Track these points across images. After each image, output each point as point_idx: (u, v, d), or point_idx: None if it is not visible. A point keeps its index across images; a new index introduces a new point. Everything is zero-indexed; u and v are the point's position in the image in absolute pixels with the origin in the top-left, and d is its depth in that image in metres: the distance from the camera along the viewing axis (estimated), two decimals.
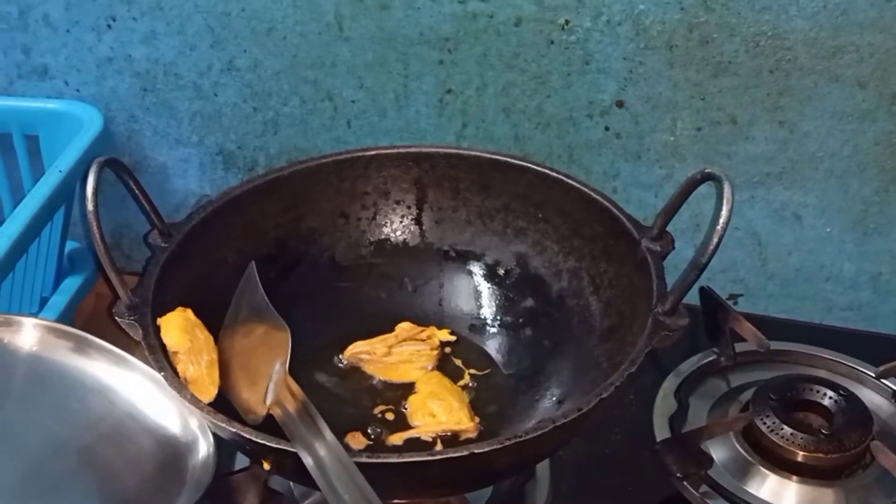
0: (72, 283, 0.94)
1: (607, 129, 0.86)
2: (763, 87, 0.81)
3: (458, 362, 0.79)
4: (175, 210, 0.98)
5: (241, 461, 0.71)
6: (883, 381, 0.82)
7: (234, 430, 0.60)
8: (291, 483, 0.73)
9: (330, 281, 0.81)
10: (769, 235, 0.89)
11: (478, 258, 0.82)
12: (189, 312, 0.69)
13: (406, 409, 0.75)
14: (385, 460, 0.59)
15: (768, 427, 0.75)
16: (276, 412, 0.63)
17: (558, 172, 0.77)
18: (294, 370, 0.66)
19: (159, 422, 0.66)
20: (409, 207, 0.82)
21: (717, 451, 0.76)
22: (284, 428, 0.61)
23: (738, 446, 0.76)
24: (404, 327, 0.79)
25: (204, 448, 0.65)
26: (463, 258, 0.82)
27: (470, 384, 0.77)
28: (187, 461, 0.64)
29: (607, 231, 0.74)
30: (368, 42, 0.85)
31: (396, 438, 0.72)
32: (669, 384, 0.82)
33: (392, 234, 0.83)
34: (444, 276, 0.82)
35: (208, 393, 0.66)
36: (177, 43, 0.89)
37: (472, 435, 0.72)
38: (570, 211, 0.77)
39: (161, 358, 0.65)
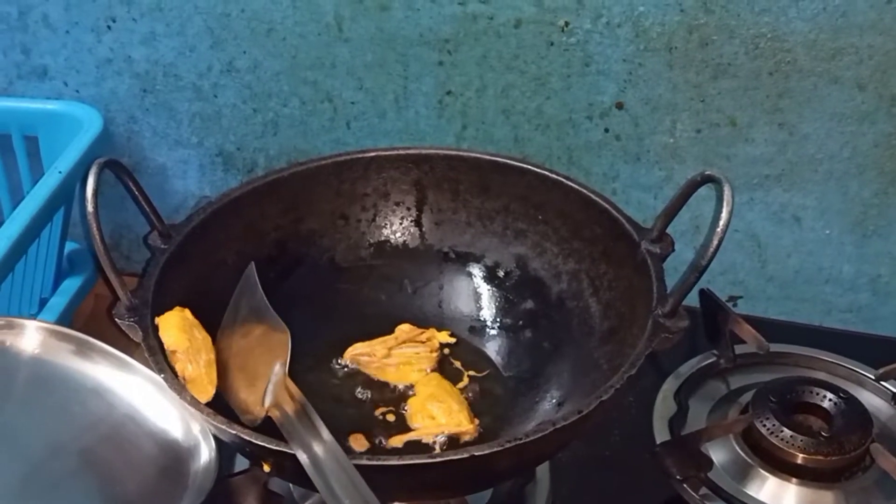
0: (71, 285, 0.95)
1: (607, 130, 0.86)
2: (762, 88, 0.81)
3: (458, 364, 0.78)
4: (174, 211, 0.98)
5: (241, 463, 0.71)
6: (882, 383, 0.82)
7: (234, 432, 0.60)
8: (291, 485, 0.73)
9: (330, 282, 0.81)
10: (768, 237, 0.89)
11: (477, 260, 0.82)
12: (187, 312, 0.69)
13: (406, 411, 0.75)
14: (385, 463, 0.59)
15: (768, 429, 0.75)
16: (275, 414, 0.63)
17: (558, 174, 0.77)
18: (293, 372, 0.66)
19: (161, 426, 0.66)
20: (408, 209, 0.82)
21: (717, 454, 0.76)
22: (282, 429, 0.61)
23: (737, 448, 0.76)
24: (404, 329, 0.79)
25: (206, 453, 0.65)
26: (463, 260, 0.82)
27: (469, 386, 0.77)
28: (189, 466, 0.64)
29: (607, 233, 0.74)
30: (368, 43, 0.85)
31: (396, 441, 0.72)
32: (669, 386, 0.82)
33: (392, 236, 0.83)
34: (443, 278, 0.82)
35: (206, 393, 0.66)
36: (176, 44, 0.89)
37: (472, 437, 0.72)
38: (570, 213, 0.77)
39: (161, 359, 0.65)
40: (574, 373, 0.73)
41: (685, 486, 0.73)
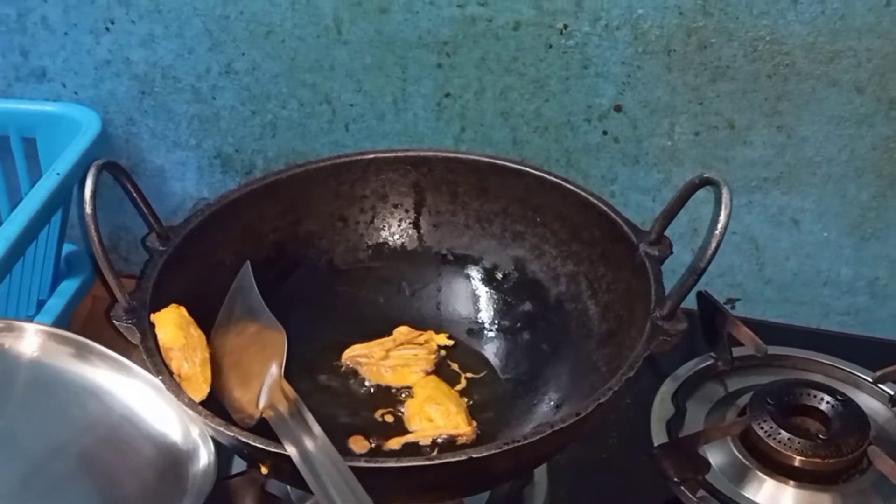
0: (69, 286, 0.94)
1: (605, 133, 0.86)
2: (761, 91, 0.81)
3: (456, 366, 0.78)
4: (172, 213, 0.98)
5: (238, 465, 0.70)
6: (880, 385, 0.82)
7: (232, 434, 0.60)
8: (288, 487, 0.73)
9: (328, 284, 0.81)
10: (767, 240, 0.89)
11: (476, 262, 0.82)
12: (183, 309, 0.69)
13: (403, 413, 0.75)
14: (384, 465, 0.59)
15: (765, 432, 0.75)
16: (269, 414, 0.63)
17: (556, 176, 0.77)
18: (291, 373, 0.66)
19: (160, 429, 0.66)
20: (407, 211, 0.82)
21: (715, 456, 0.76)
22: (276, 429, 0.61)
23: (735, 451, 0.76)
24: (402, 331, 0.79)
25: (205, 456, 0.65)
26: (461, 262, 0.82)
27: (467, 388, 0.77)
28: (188, 469, 0.64)
29: (605, 235, 0.74)
30: (367, 45, 0.85)
31: (394, 443, 0.72)
32: (667, 388, 0.82)
33: (390, 238, 0.83)
34: (442, 280, 0.82)
35: (201, 391, 0.66)
36: (175, 46, 0.89)
37: (470, 439, 0.72)
38: (569, 215, 0.77)
39: (158, 361, 0.65)
40: (572, 375, 0.73)
41: (683, 488, 0.73)
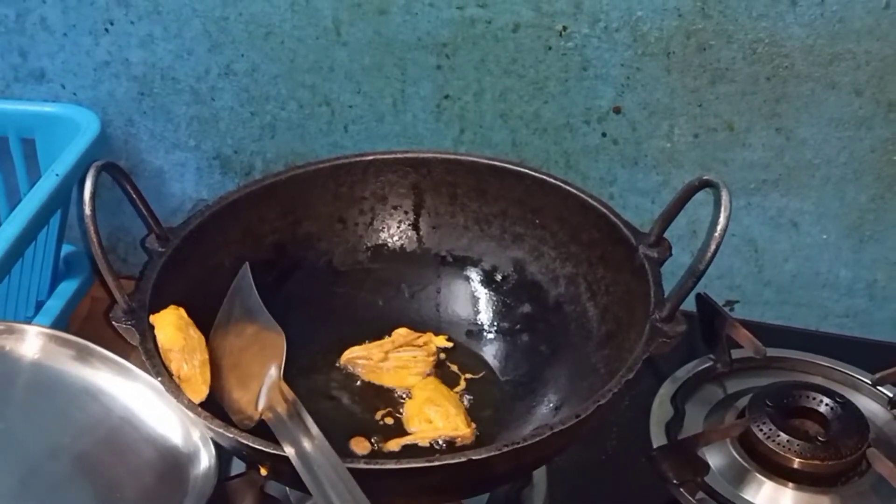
0: (67, 287, 0.94)
1: (604, 135, 0.86)
2: (760, 93, 0.81)
3: (455, 368, 0.78)
4: (171, 214, 0.98)
5: (238, 466, 0.70)
6: (879, 388, 0.82)
7: (231, 435, 0.60)
8: (287, 489, 0.73)
9: (327, 286, 0.81)
10: (766, 242, 0.89)
11: (475, 264, 0.82)
12: (182, 311, 0.69)
13: (402, 415, 0.75)
14: (383, 467, 0.59)
15: (764, 434, 0.75)
16: (268, 416, 0.63)
17: (555, 178, 0.77)
18: (291, 375, 0.66)
19: (160, 431, 0.66)
20: (406, 213, 0.82)
21: (714, 458, 0.76)
22: (275, 430, 0.61)
23: (734, 453, 0.76)
24: (401, 333, 0.79)
25: (205, 459, 0.65)
26: (460, 264, 0.82)
27: (466, 390, 0.77)
28: (188, 472, 0.64)
29: (604, 237, 0.74)
30: (366, 47, 0.85)
31: (393, 444, 0.72)
32: (666, 390, 0.82)
33: (389, 240, 0.82)
34: (441, 282, 0.82)
35: (200, 392, 0.66)
36: (174, 47, 0.89)
37: (469, 441, 0.72)
38: (568, 217, 0.77)
39: (158, 363, 0.65)
40: (571, 377, 0.73)
41: (682, 490, 0.73)
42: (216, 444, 0.65)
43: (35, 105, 0.94)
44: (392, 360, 0.78)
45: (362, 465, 0.59)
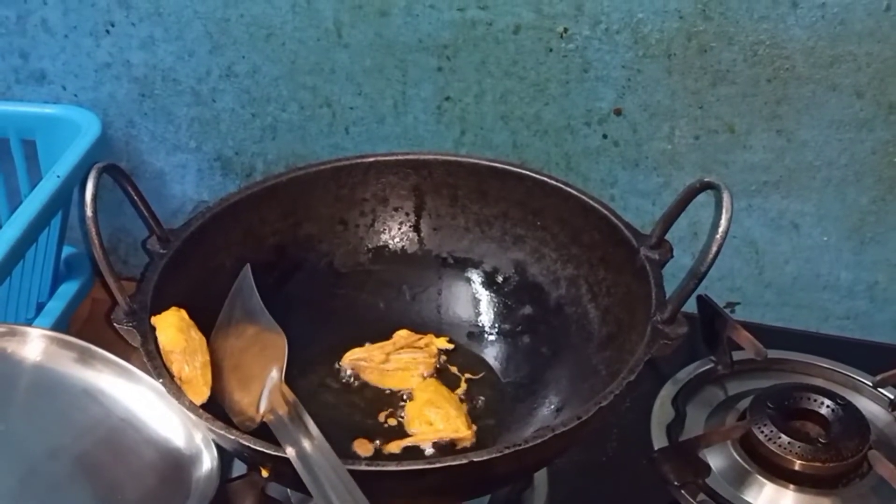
0: (68, 289, 0.94)
1: (605, 136, 0.86)
2: (761, 95, 0.81)
3: (456, 370, 0.78)
4: (172, 216, 0.98)
5: (239, 468, 0.70)
6: (880, 389, 0.82)
7: (233, 437, 0.60)
8: (288, 490, 0.73)
9: (328, 288, 0.81)
10: (766, 244, 0.89)
11: (476, 265, 0.82)
12: (183, 312, 0.69)
13: (403, 416, 0.75)
14: (384, 468, 0.59)
15: (766, 436, 0.75)
16: (270, 418, 0.63)
17: (556, 180, 0.77)
18: (292, 376, 0.66)
19: (163, 434, 0.66)
20: (407, 214, 0.82)
21: (715, 460, 0.76)
22: (276, 431, 0.61)
23: (735, 455, 0.76)
24: (402, 335, 0.79)
25: (208, 461, 0.65)
26: (461, 265, 0.82)
27: (467, 392, 0.77)
28: (191, 474, 0.64)
29: (605, 239, 0.74)
30: (367, 49, 0.85)
31: (394, 446, 0.72)
32: (667, 392, 0.82)
33: (390, 241, 0.82)
34: (442, 284, 0.82)
35: (201, 394, 0.66)
36: (175, 48, 0.89)
37: (470, 443, 0.72)
38: (569, 218, 0.77)
39: (159, 364, 0.65)
40: (572, 379, 0.73)
41: (683, 492, 0.73)
42: (218, 446, 0.65)
43: (36, 106, 0.94)
44: (393, 362, 0.78)
45: (363, 467, 0.59)
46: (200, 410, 0.63)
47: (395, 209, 0.82)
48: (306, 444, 0.60)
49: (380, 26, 0.84)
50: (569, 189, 0.76)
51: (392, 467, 0.59)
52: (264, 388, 0.65)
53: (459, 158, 0.81)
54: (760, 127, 0.83)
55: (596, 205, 0.75)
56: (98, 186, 0.65)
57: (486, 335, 0.81)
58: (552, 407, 0.73)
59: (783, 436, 0.75)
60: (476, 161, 0.80)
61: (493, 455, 0.58)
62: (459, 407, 0.75)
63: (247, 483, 0.64)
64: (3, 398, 0.65)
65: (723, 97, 0.82)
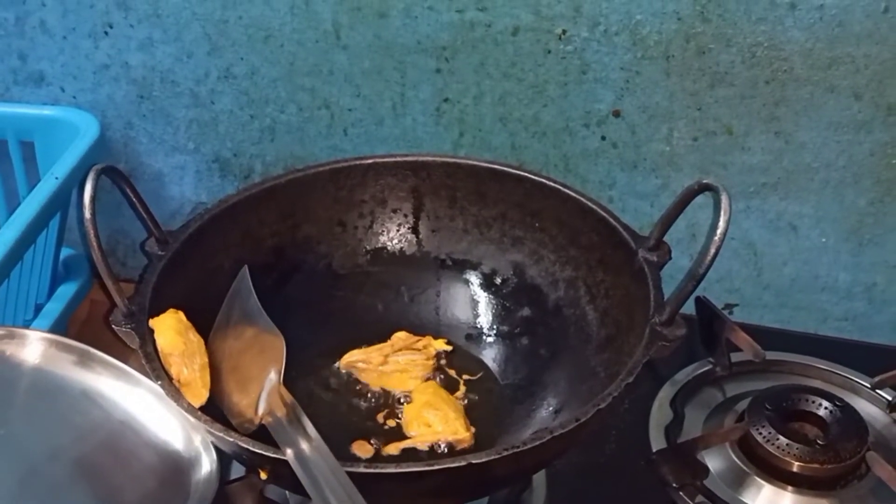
0: (67, 290, 0.94)
1: (604, 138, 0.86)
2: (759, 97, 0.81)
3: (454, 372, 0.79)
4: (171, 217, 0.98)
5: (237, 470, 0.70)
6: (878, 391, 0.82)
7: (231, 439, 0.60)
8: (287, 492, 0.73)
9: (327, 289, 0.81)
10: (765, 245, 0.89)
11: (474, 267, 0.82)
12: (181, 314, 0.69)
13: (402, 418, 0.75)
14: (383, 470, 0.59)
15: (764, 437, 0.75)
16: (269, 421, 0.63)
17: (555, 182, 0.77)
18: (290, 378, 0.66)
19: (162, 437, 0.66)
20: (405, 216, 0.82)
21: (713, 461, 0.76)
22: (275, 435, 0.61)
23: (733, 456, 0.76)
24: (400, 336, 0.79)
25: (207, 464, 0.65)
26: (460, 267, 0.82)
27: (466, 394, 0.77)
28: (190, 476, 0.64)
29: (604, 241, 0.74)
30: (366, 50, 0.85)
31: (392, 448, 0.72)
32: (665, 394, 0.82)
33: (389, 243, 0.83)
34: (440, 285, 0.82)
35: (200, 397, 0.66)
36: (174, 50, 0.89)
37: (468, 445, 0.72)
38: (567, 220, 0.77)
39: (158, 366, 0.65)
40: (571, 380, 0.73)
41: (681, 493, 0.73)
42: (216, 448, 0.65)
43: (34, 108, 0.94)
44: (391, 364, 0.78)
45: (361, 469, 0.59)
46: (199, 413, 0.63)
47: (394, 211, 0.82)
48: (304, 445, 0.60)
49: (378, 28, 0.84)
50: (567, 191, 0.76)
51: (391, 469, 0.59)
52: (262, 390, 0.65)
53: (458, 160, 0.81)
54: (759, 128, 0.83)
55: (594, 206, 0.75)
56: (96, 188, 0.65)
57: (484, 337, 0.81)
58: (551, 409, 0.73)
59: (781, 437, 0.75)
60: (475, 163, 0.80)
61: (492, 457, 0.58)
62: (458, 409, 0.75)
63: (245, 485, 0.64)
64: (3, 401, 0.65)
65: (721, 99, 0.82)
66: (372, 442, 0.73)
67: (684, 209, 0.69)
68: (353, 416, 0.76)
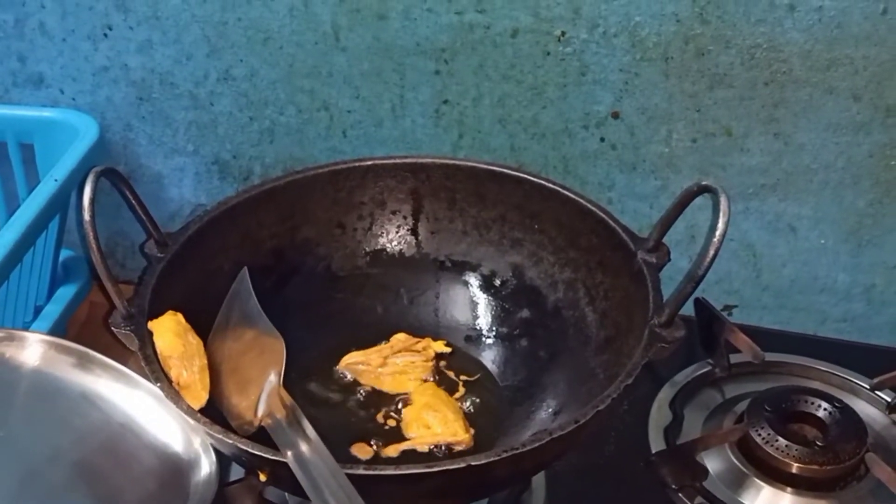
0: (66, 292, 0.94)
1: (603, 140, 0.86)
2: (758, 99, 0.81)
3: (453, 373, 0.79)
4: (170, 219, 0.98)
5: (237, 472, 0.70)
6: (877, 392, 0.82)
7: (231, 441, 0.60)
8: (287, 494, 0.73)
9: (326, 291, 0.81)
10: (764, 247, 0.89)
11: (474, 269, 0.82)
12: (180, 316, 0.69)
13: (401, 420, 0.75)
14: (382, 472, 0.59)
15: (763, 439, 0.75)
16: (268, 422, 0.63)
17: (554, 183, 0.77)
18: (290, 380, 0.66)
19: (161, 438, 0.66)
20: (405, 218, 0.82)
21: (712, 463, 0.76)
22: (274, 437, 0.61)
23: (732, 458, 0.76)
24: (400, 338, 0.79)
25: (206, 466, 0.65)
26: (459, 269, 0.82)
27: (465, 395, 0.77)
28: (189, 479, 0.64)
29: (603, 242, 0.74)
30: (365, 52, 0.85)
31: (392, 450, 0.72)
32: (664, 395, 0.82)
33: (388, 245, 0.83)
34: (440, 287, 0.82)
35: (199, 399, 0.66)
36: (173, 52, 0.89)
37: (467, 447, 0.72)
38: (566, 222, 0.77)
39: (157, 368, 0.65)
40: (570, 382, 0.73)
41: (680, 495, 0.73)
42: (216, 451, 0.65)
43: (34, 110, 0.94)
44: (391, 366, 0.78)
45: (361, 471, 0.59)
46: (198, 415, 0.63)
47: (393, 212, 0.82)
48: (304, 447, 0.60)
49: (377, 30, 0.84)
50: (566, 192, 0.76)
51: (390, 471, 0.59)
52: (262, 392, 0.65)
53: (457, 162, 0.81)
54: (758, 130, 0.83)
55: (593, 208, 0.75)
56: (96, 190, 0.65)
57: (483, 339, 0.81)
58: (550, 410, 0.73)
59: (780, 439, 0.75)
60: (474, 164, 0.80)
61: (491, 459, 0.58)
62: (457, 410, 0.75)
63: (245, 487, 0.64)
64: (2, 403, 0.65)
65: (720, 100, 0.82)
66: (371, 444, 0.73)
67: (683, 211, 0.69)
68: (353, 417, 0.76)
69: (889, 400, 0.81)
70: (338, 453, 0.60)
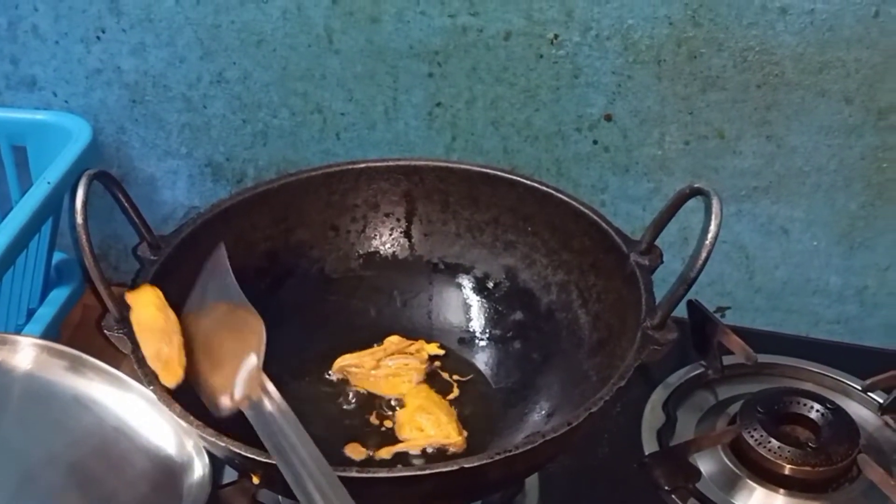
0: (59, 295, 0.94)
1: (596, 142, 0.86)
2: (750, 101, 0.81)
3: (447, 376, 0.79)
4: (163, 222, 0.98)
5: (230, 474, 0.70)
6: (869, 394, 0.82)
7: (224, 444, 0.60)
8: (280, 497, 0.73)
9: (319, 293, 0.81)
10: (756, 249, 0.89)
11: (467, 271, 0.82)
12: (158, 291, 0.67)
13: (394, 422, 0.75)
14: (375, 475, 0.59)
15: (756, 440, 0.75)
16: (245, 405, 0.60)
17: (547, 186, 0.77)
18: (283, 381, 0.66)
19: (154, 442, 0.66)
20: (398, 220, 0.82)
21: (705, 465, 0.76)
22: (253, 422, 0.60)
23: (725, 459, 0.77)
24: (393, 341, 0.79)
25: (199, 468, 0.65)
26: (452, 271, 0.82)
27: (458, 398, 0.77)
28: (182, 481, 0.64)
29: (596, 245, 0.74)
30: (358, 55, 0.85)
31: (385, 452, 0.72)
32: (657, 397, 0.82)
33: (381, 247, 0.83)
34: (433, 289, 0.82)
35: (176, 375, 0.64)
36: (166, 55, 0.89)
37: (461, 449, 0.72)
38: (559, 224, 0.77)
39: (149, 371, 0.64)
40: (563, 384, 0.73)
41: (673, 496, 0.74)
42: (209, 453, 0.65)
43: (26, 112, 0.94)
44: (384, 368, 0.78)
45: (354, 474, 0.58)
46: (191, 417, 0.62)
47: (387, 215, 0.82)
48: (298, 448, 0.59)
49: (371, 32, 0.84)
50: (559, 195, 0.77)
51: (383, 474, 0.59)
52: (240, 372, 0.61)
53: (450, 164, 0.81)
54: (750, 133, 0.83)
55: (586, 210, 0.75)
56: (88, 193, 0.65)
57: (477, 341, 0.81)
58: (543, 412, 0.73)
59: (773, 440, 0.75)
60: (467, 167, 0.80)
61: (485, 461, 0.58)
62: (450, 413, 0.75)
63: (238, 489, 0.64)
64: None
65: (713, 103, 0.82)
66: (364, 446, 0.73)
67: (676, 213, 0.69)
68: (346, 419, 0.76)
69: (881, 401, 0.82)
70: (331, 455, 0.60)
